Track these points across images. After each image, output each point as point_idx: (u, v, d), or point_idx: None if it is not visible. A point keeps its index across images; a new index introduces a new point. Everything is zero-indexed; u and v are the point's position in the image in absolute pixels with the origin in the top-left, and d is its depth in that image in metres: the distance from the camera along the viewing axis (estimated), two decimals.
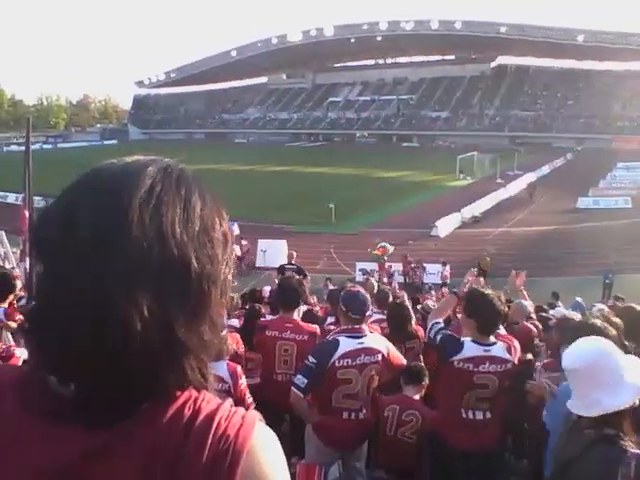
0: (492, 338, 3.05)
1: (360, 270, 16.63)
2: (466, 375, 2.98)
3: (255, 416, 0.65)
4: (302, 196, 29.69)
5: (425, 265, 16.92)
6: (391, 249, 17.28)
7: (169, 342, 0.59)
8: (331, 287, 9.22)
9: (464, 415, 3.03)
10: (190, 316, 0.61)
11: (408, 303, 5.39)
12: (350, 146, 66.32)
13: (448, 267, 16.49)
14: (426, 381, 3.55)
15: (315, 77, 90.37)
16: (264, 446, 0.62)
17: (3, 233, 8.73)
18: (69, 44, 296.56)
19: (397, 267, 17.08)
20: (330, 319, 5.14)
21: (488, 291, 3.07)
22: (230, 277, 0.67)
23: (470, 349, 2.99)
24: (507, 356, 3.01)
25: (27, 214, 4.78)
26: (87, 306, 0.56)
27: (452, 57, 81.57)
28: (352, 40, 77.87)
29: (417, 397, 3.51)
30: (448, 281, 14.91)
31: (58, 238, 0.59)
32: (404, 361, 3.32)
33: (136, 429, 0.60)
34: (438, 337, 3.09)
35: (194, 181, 0.66)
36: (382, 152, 55.41)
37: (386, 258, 17.06)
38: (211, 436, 0.60)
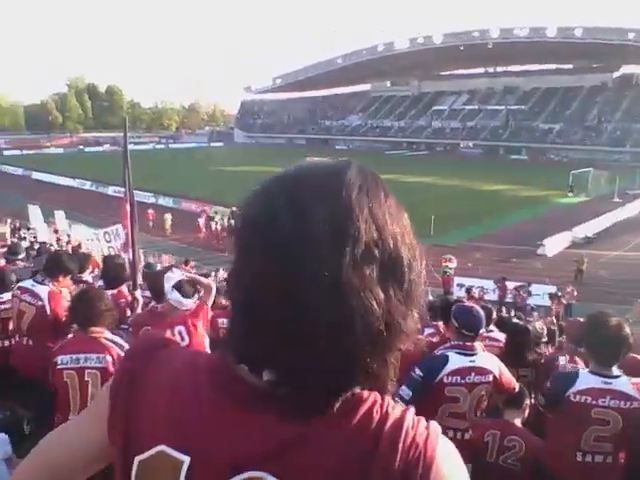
0: (616, 370, 2.79)
1: (458, 285, 16.14)
2: (583, 409, 2.70)
3: (438, 427, 0.65)
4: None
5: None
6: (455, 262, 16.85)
7: (392, 330, 0.62)
8: (430, 298, 9.00)
9: (580, 459, 2.71)
10: (404, 305, 0.63)
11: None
12: (453, 156, 64.67)
13: (571, 288, 15.33)
14: (527, 403, 3.34)
15: (420, 85, 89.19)
16: (451, 458, 0.63)
17: (120, 227, 9.35)
18: (185, 51, 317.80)
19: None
20: (427, 330, 5.03)
21: (612, 317, 2.79)
22: None
23: (587, 380, 2.72)
24: (635, 394, 2.71)
25: (128, 209, 4.97)
26: (320, 297, 0.57)
27: (570, 66, 76.75)
28: (461, 48, 75.93)
29: (518, 422, 3.32)
30: (573, 302, 14.06)
31: (291, 232, 0.59)
32: (516, 385, 3.15)
33: (330, 426, 0.61)
34: (548, 382, 2.90)
35: (382, 181, 0.69)
36: (487, 164, 53.53)
37: (452, 271, 16.44)
38: (401, 443, 0.61)
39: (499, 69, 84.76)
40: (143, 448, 0.67)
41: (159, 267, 7.49)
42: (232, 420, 0.63)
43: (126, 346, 3.10)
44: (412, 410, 0.66)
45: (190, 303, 3.48)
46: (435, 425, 0.65)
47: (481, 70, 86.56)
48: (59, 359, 2.99)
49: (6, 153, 67.64)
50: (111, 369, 2.94)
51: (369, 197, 0.63)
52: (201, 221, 26.25)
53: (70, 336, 3.28)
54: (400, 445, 0.60)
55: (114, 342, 3.09)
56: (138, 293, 4.59)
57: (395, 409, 0.65)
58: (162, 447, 0.65)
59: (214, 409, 0.65)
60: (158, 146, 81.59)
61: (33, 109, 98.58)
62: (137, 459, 0.67)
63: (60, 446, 0.78)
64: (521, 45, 70.75)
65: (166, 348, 0.76)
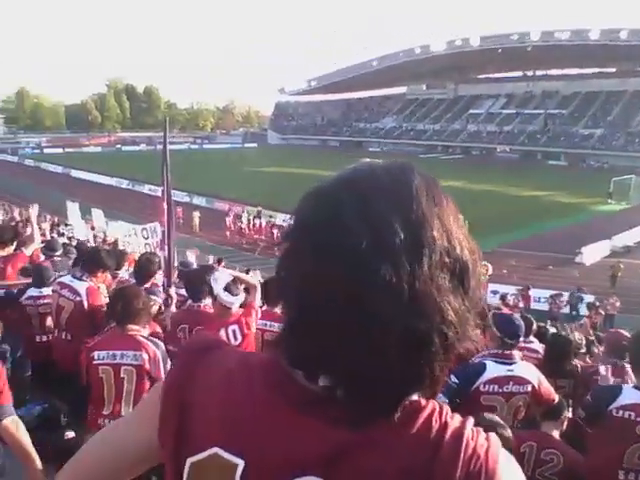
0: None
1: (492, 292, 15.83)
2: (627, 425, 2.61)
3: (498, 439, 0.63)
4: None
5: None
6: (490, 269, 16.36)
7: (460, 337, 0.61)
8: None
9: (622, 477, 2.64)
10: (469, 312, 0.63)
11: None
12: (489, 160, 63.54)
13: (614, 298, 14.81)
14: (565, 415, 3.24)
15: (457, 88, 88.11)
16: (512, 470, 0.62)
17: (157, 225, 9.50)
18: (220, 52, 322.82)
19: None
20: None
21: None
22: None
23: (631, 395, 2.63)
24: None
25: (165, 207, 4.99)
26: (395, 308, 0.56)
27: (613, 70, 74.58)
28: (499, 51, 74.68)
29: (556, 434, 3.22)
30: (615, 313, 13.65)
31: (365, 239, 0.57)
32: (555, 396, 3.06)
33: (388, 433, 0.61)
34: (589, 395, 2.81)
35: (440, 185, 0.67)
36: (524, 169, 52.49)
37: (485, 277, 16.12)
38: (462, 453, 0.60)
39: (538, 73, 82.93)
40: (195, 450, 0.66)
41: (195, 265, 7.59)
42: (286, 422, 0.62)
43: (161, 344, 3.15)
44: (471, 420, 0.64)
45: (238, 302, 3.51)
46: (495, 437, 0.63)
47: (519, 73, 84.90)
48: (96, 354, 3.04)
49: (47, 151, 70.09)
50: (147, 367, 2.98)
51: (436, 204, 0.62)
52: (228, 220, 26.77)
53: (107, 332, 3.35)
54: (461, 455, 0.59)
55: (151, 340, 3.13)
56: (172, 291, 4.65)
57: (454, 419, 0.63)
58: (216, 449, 0.64)
59: (268, 409, 0.64)
60: (193, 146, 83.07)
61: (73, 109, 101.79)
62: (189, 461, 0.66)
63: (107, 445, 0.79)
64: (562, 48, 69.18)
65: (219, 349, 0.75)
